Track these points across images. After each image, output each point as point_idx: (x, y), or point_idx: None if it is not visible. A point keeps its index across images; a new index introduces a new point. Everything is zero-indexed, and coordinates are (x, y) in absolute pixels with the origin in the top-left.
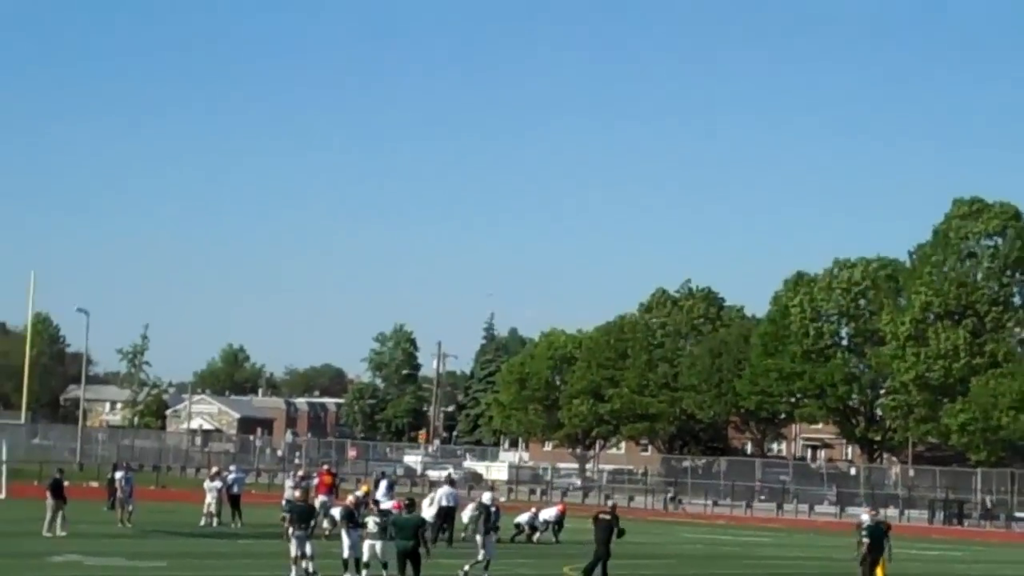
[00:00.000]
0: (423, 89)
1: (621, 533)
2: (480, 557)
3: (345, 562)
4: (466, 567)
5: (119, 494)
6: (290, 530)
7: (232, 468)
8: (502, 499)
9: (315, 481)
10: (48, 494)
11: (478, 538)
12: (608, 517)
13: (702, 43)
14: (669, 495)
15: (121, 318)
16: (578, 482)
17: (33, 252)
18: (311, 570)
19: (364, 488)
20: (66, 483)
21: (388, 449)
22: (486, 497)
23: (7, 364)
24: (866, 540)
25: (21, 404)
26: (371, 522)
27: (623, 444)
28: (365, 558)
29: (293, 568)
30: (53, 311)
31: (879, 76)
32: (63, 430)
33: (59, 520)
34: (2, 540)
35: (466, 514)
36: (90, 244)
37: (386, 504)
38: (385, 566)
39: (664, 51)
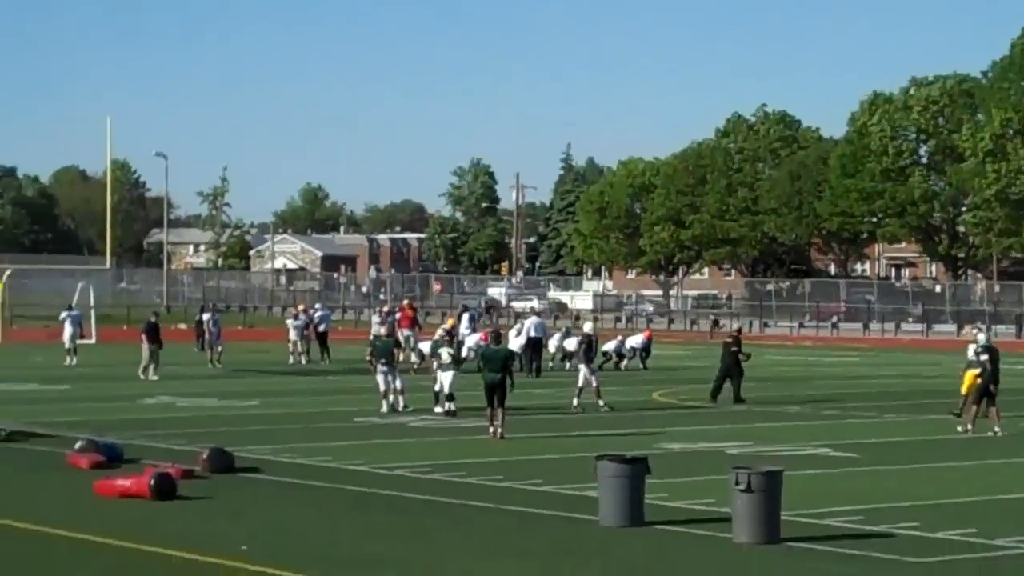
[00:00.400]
0: None
1: (747, 356)
2: (586, 384)
3: (436, 395)
4: (575, 401)
5: (207, 336)
6: (376, 365)
7: (318, 306)
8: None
9: (398, 316)
10: (144, 338)
11: (582, 367)
12: (731, 341)
13: None
14: (711, 318)
15: (200, 160)
16: (650, 308)
17: (110, 97)
18: (401, 404)
19: (450, 322)
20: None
21: (469, 282)
22: (588, 327)
23: (89, 210)
24: (985, 359)
25: (105, 250)
26: (444, 353)
27: (706, 270)
28: (436, 388)
29: (383, 402)
30: (132, 156)
31: None
32: (148, 274)
33: (152, 364)
34: (94, 384)
35: (552, 343)
36: (166, 87)
37: (471, 337)
38: (450, 397)
39: None
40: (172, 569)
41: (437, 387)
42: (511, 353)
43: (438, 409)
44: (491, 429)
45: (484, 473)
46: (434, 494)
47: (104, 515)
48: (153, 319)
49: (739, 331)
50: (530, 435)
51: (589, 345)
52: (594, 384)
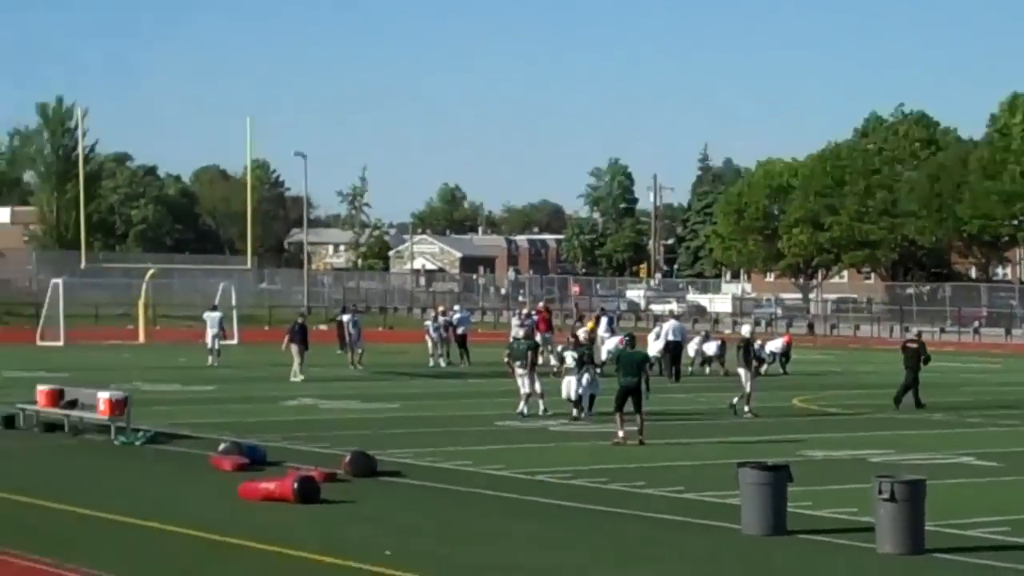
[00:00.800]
0: None
1: (927, 360)
2: (748, 389)
3: (570, 401)
4: (735, 399)
5: (348, 337)
6: (514, 368)
7: (457, 308)
8: (726, 331)
9: (536, 318)
10: (290, 339)
11: (740, 371)
12: (915, 345)
13: None
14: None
15: (339, 160)
16: (779, 311)
17: (250, 98)
18: (541, 408)
19: (589, 325)
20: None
21: (601, 286)
22: (745, 330)
23: (229, 210)
24: None
25: (246, 249)
26: (569, 357)
27: (845, 273)
28: (563, 394)
29: (522, 403)
30: (272, 156)
31: None
32: (288, 274)
33: (300, 365)
34: (237, 385)
35: (692, 347)
36: (306, 87)
37: (610, 340)
38: (577, 402)
39: None
40: (314, 573)
41: (565, 393)
42: (646, 356)
43: (575, 413)
44: (620, 433)
45: (626, 479)
46: (575, 500)
47: (247, 518)
48: (300, 320)
49: (919, 335)
50: (671, 441)
51: (747, 348)
52: (747, 389)
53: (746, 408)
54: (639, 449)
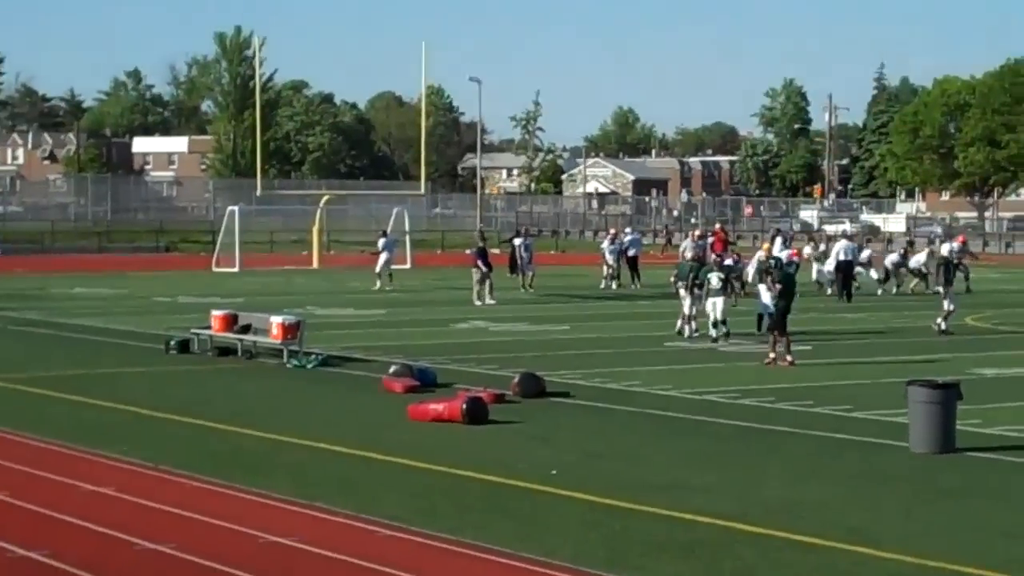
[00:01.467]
0: None
1: None
2: (947, 307)
3: (716, 323)
4: (939, 320)
5: (519, 260)
6: (679, 289)
7: (628, 230)
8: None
9: (711, 240)
10: (478, 262)
11: (940, 290)
12: None
13: None
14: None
15: (512, 85)
16: (938, 230)
17: (424, 23)
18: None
19: (765, 247)
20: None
21: (780, 205)
22: (945, 249)
23: (404, 136)
24: None
25: (420, 175)
26: (714, 278)
27: (1022, 191)
28: (713, 316)
29: (680, 323)
30: (446, 81)
31: None
32: (462, 199)
33: (486, 288)
34: (409, 309)
35: (888, 261)
36: (480, 12)
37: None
38: (715, 324)
39: None
40: (483, 492)
41: (712, 316)
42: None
43: (713, 334)
44: (771, 355)
45: (793, 398)
46: (743, 419)
47: (417, 439)
48: (481, 244)
49: None
50: (840, 360)
51: (947, 267)
52: (946, 307)
53: (942, 325)
54: (807, 368)
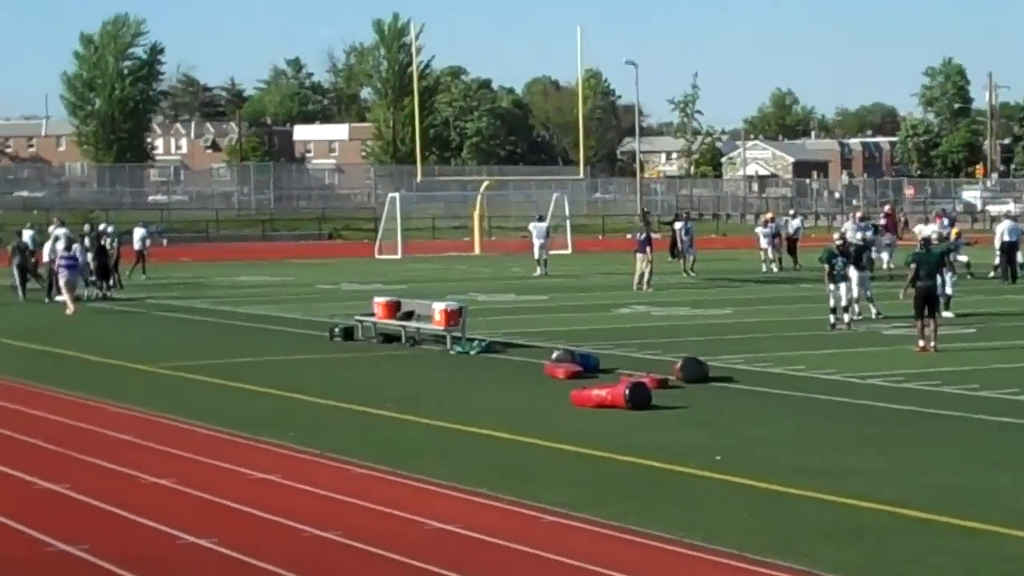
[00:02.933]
0: None
1: None
2: None
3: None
4: None
5: (680, 244)
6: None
7: (791, 213)
8: None
9: (881, 221)
10: (645, 248)
11: None
12: None
13: None
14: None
15: (670, 68)
16: None
17: (580, 6)
18: (874, 312)
19: (954, 231)
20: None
21: (942, 186)
22: None
23: (562, 120)
24: None
25: (579, 160)
26: (840, 262)
27: None
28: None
29: (831, 316)
30: (603, 65)
31: None
32: (621, 183)
33: (648, 272)
34: (570, 294)
35: None
36: None
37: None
38: (847, 308)
39: None
40: (646, 478)
41: (846, 299)
42: (941, 255)
43: (845, 319)
44: (920, 342)
45: (959, 382)
46: (907, 403)
47: (580, 424)
48: (645, 228)
49: None
50: (1007, 343)
51: None
52: None
53: None
54: (972, 352)
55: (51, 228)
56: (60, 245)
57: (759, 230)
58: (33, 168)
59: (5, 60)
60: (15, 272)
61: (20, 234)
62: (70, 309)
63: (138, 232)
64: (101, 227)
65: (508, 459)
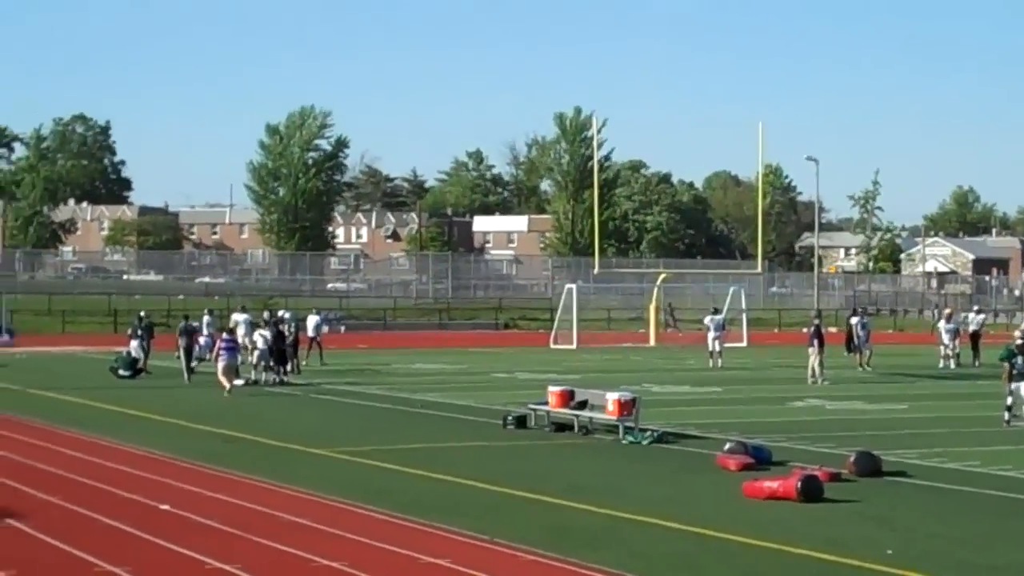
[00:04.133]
0: None
1: None
2: None
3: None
4: None
5: (856, 339)
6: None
7: (974, 308)
8: None
9: None
10: (813, 341)
11: None
12: None
13: None
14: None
15: (851, 164)
16: None
17: (761, 102)
18: None
19: None
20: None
21: None
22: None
23: (741, 215)
24: None
25: (757, 253)
26: (1020, 360)
27: None
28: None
29: (1006, 413)
30: (783, 160)
31: None
32: (798, 278)
33: (818, 366)
34: (744, 387)
35: None
36: (816, 91)
37: None
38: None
39: None
40: (817, 571)
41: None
42: None
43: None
44: None
45: None
46: None
47: (751, 516)
48: (817, 322)
49: None
50: None
51: None
52: None
53: None
54: None
55: (234, 315)
56: (241, 330)
57: (941, 325)
58: (216, 255)
59: (192, 149)
60: (182, 355)
61: (187, 317)
62: (226, 389)
63: (312, 320)
64: (280, 313)
65: (679, 549)
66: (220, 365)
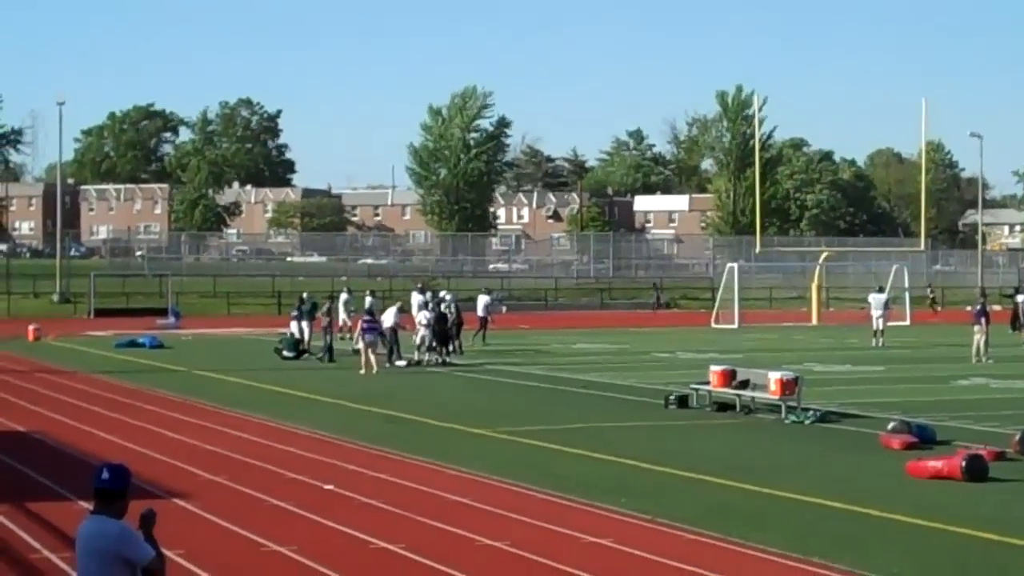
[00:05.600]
0: None
1: None
2: None
3: None
4: None
5: (1021, 317)
6: None
7: None
8: None
9: None
10: (980, 319)
11: None
12: None
13: None
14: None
15: (1015, 140)
16: None
17: (924, 78)
18: None
19: None
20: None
21: None
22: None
23: (903, 192)
24: None
25: (920, 231)
26: None
27: None
28: None
29: None
30: (946, 137)
31: None
32: (962, 256)
33: (983, 345)
34: (907, 365)
35: None
36: (981, 68)
37: None
38: None
39: None
40: (981, 551)
41: None
42: None
43: None
44: None
45: None
46: None
47: (915, 495)
48: (982, 300)
49: None
50: None
51: None
52: None
53: None
54: None
55: (414, 295)
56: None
57: None
58: (378, 236)
59: (355, 131)
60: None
61: (334, 298)
62: (363, 370)
63: (482, 299)
64: (441, 294)
65: (841, 528)
66: (360, 344)
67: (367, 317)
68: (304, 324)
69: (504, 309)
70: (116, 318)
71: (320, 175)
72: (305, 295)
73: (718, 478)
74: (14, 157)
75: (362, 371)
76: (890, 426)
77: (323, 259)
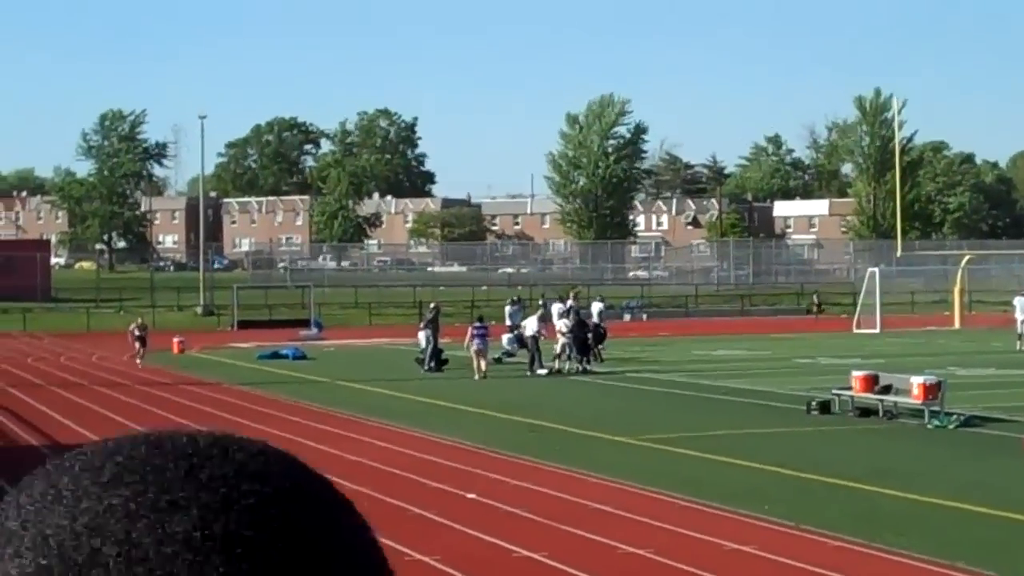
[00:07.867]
0: None
1: None
2: None
3: None
4: None
5: None
6: None
7: None
8: None
9: None
10: None
11: None
12: None
13: None
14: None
15: None
16: None
17: None
18: None
19: None
20: None
21: None
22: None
23: None
24: None
25: None
26: None
27: None
28: None
29: None
30: None
31: None
32: None
33: None
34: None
35: None
36: None
37: None
38: None
39: None
40: None
41: None
42: None
43: None
44: None
45: None
46: None
47: None
48: None
49: None
50: None
51: None
52: None
53: None
54: None
55: (568, 302)
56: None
57: None
58: (518, 245)
59: (494, 140)
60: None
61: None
62: (476, 375)
63: (595, 307)
64: (568, 303)
65: (987, 534)
66: (472, 350)
67: (477, 323)
68: (429, 333)
69: (644, 317)
70: (259, 330)
71: (459, 184)
72: (432, 304)
73: (861, 484)
74: (158, 171)
75: (476, 377)
76: None
77: (463, 269)
